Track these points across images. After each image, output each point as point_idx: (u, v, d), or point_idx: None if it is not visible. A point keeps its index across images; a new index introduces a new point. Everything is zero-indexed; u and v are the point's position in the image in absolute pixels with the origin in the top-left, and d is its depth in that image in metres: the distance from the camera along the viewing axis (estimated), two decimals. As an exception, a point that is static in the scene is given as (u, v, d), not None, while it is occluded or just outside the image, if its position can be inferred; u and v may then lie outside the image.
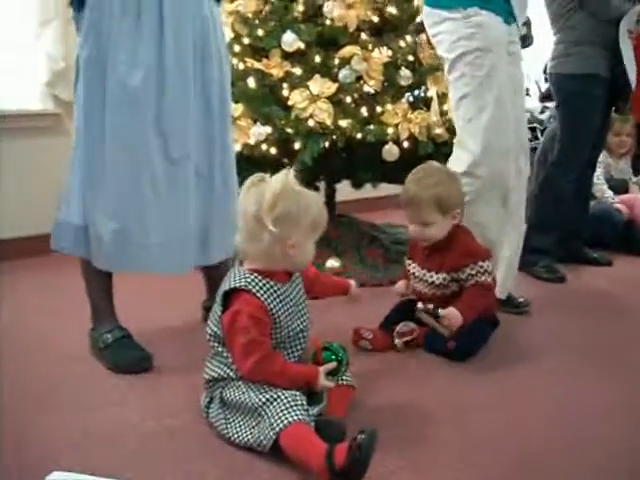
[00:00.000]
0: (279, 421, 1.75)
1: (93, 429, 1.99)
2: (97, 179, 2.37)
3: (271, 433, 1.75)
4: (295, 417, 1.75)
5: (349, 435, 1.82)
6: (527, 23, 3.01)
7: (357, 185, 4.15)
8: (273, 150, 3.54)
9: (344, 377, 2.06)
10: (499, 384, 2.36)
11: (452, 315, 2.44)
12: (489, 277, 2.56)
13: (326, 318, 2.77)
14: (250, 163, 3.38)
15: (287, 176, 1.88)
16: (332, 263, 3.69)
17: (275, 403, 1.78)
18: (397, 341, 2.64)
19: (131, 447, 1.89)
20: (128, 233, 2.35)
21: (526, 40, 3.02)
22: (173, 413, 2.10)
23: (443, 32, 2.87)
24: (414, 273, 2.71)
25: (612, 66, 3.69)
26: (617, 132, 4.77)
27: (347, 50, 3.59)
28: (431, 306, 2.48)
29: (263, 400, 1.81)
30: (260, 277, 1.91)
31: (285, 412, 1.76)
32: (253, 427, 1.84)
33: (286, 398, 1.79)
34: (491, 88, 2.77)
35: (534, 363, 2.56)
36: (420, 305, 2.50)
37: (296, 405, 1.78)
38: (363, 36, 3.70)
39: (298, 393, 1.83)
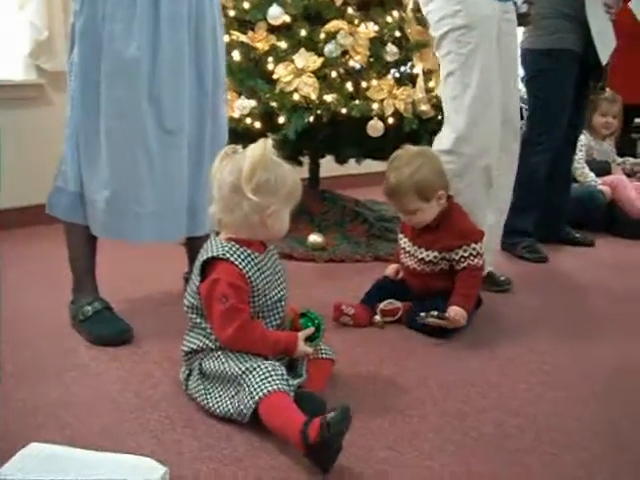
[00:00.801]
0: (259, 390, 1.74)
1: (72, 401, 1.98)
2: (92, 148, 2.37)
3: (251, 402, 1.75)
4: (275, 386, 1.74)
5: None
6: (528, 0, 2.97)
7: (341, 161, 4.15)
8: (257, 124, 3.53)
9: (324, 350, 2.05)
10: (480, 361, 2.37)
11: (459, 315, 2.48)
12: (481, 259, 2.57)
13: (307, 293, 2.77)
14: (234, 136, 3.35)
15: (265, 145, 1.87)
16: (315, 238, 3.68)
17: (255, 372, 1.78)
18: (378, 318, 2.64)
19: (110, 418, 1.88)
20: (122, 201, 2.36)
21: (526, 18, 2.98)
22: (153, 385, 2.09)
23: (432, 10, 2.86)
24: (404, 248, 2.71)
25: (584, 40, 3.62)
26: (604, 112, 4.73)
27: (333, 24, 3.58)
28: (435, 313, 2.47)
29: (243, 369, 1.80)
30: (238, 246, 1.90)
31: (265, 381, 1.75)
32: (233, 397, 1.83)
33: (266, 367, 1.78)
34: (476, 66, 2.75)
35: (515, 340, 2.57)
36: (423, 314, 2.49)
37: (276, 374, 1.77)
38: (349, 10, 3.69)
39: (277, 363, 1.83)
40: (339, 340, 2.39)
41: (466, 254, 2.54)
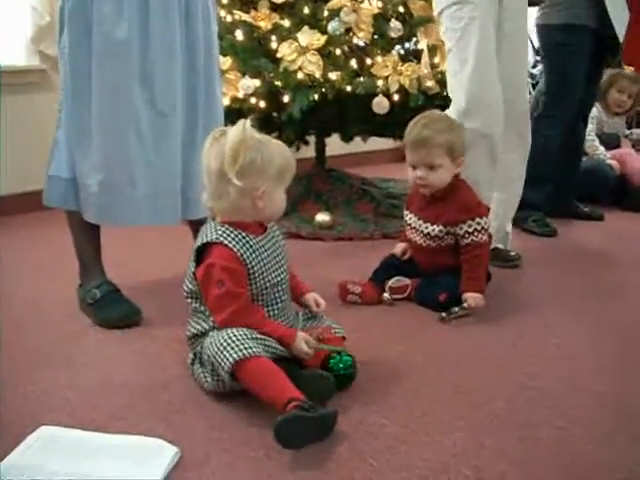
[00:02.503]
0: (229, 357, 1.74)
1: (82, 384, 1.98)
2: (84, 132, 2.35)
3: (223, 372, 1.77)
4: (245, 352, 1.73)
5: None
6: None
7: (347, 139, 4.14)
8: (262, 103, 3.51)
9: (334, 328, 2.05)
10: (490, 337, 2.36)
11: (477, 300, 2.50)
12: (485, 234, 2.56)
13: (315, 272, 2.76)
14: (239, 116, 3.34)
15: (244, 126, 1.81)
16: (322, 217, 3.68)
17: (226, 342, 1.77)
18: (387, 295, 2.63)
19: (120, 401, 1.88)
20: (115, 184, 2.33)
21: None
22: (162, 367, 2.09)
23: None
24: (410, 224, 2.70)
25: (600, 16, 3.60)
26: (621, 89, 4.67)
27: (336, 1, 3.55)
28: (455, 309, 2.47)
29: (222, 341, 1.78)
30: (232, 229, 1.88)
31: (236, 348, 1.75)
32: (213, 371, 1.85)
33: (235, 336, 1.77)
34: (472, 41, 2.75)
35: (526, 315, 2.56)
36: (444, 315, 2.48)
37: (246, 340, 1.77)
38: (353, -13, 3.65)
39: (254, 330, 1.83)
40: (349, 318, 2.38)
41: (470, 229, 2.53)
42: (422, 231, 2.62)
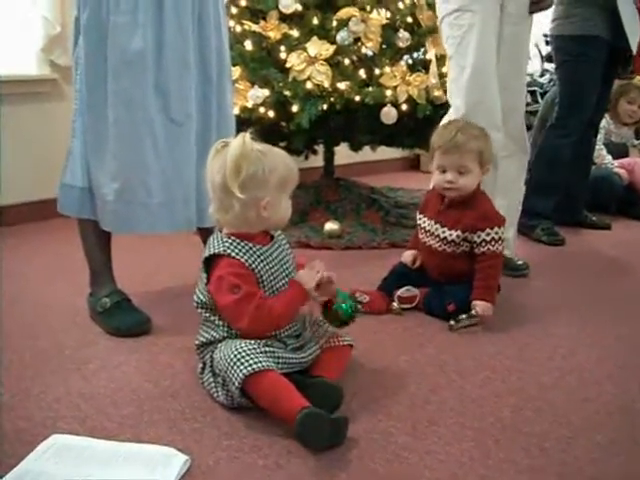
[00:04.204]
0: (239, 372, 1.75)
1: (93, 392, 1.99)
2: (100, 141, 2.37)
3: (233, 388, 1.77)
4: (255, 365, 1.74)
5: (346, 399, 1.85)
6: None
7: (355, 148, 4.16)
8: (271, 113, 3.53)
9: (342, 336, 2.04)
10: (498, 346, 2.37)
11: (487, 309, 2.50)
12: (501, 245, 2.57)
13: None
14: (248, 126, 3.36)
15: (244, 139, 1.83)
16: (331, 226, 3.69)
17: (235, 357, 1.77)
18: (395, 305, 2.64)
19: (130, 409, 1.89)
20: (131, 192, 2.36)
21: (538, 4, 2.94)
22: (172, 375, 2.10)
23: None
24: (424, 227, 2.70)
25: (613, 28, 3.63)
26: (631, 100, 4.71)
27: (345, 11, 3.57)
28: (464, 316, 2.48)
29: (231, 356, 1.79)
30: (239, 240, 1.89)
31: (245, 363, 1.75)
32: (224, 384, 1.86)
33: (244, 350, 1.78)
34: (470, 47, 2.78)
35: (534, 325, 2.57)
36: (453, 323, 2.49)
37: (255, 354, 1.78)
38: (361, -3, 3.68)
39: (262, 342, 1.84)
40: (357, 326, 2.38)
41: (488, 238, 2.53)
42: (438, 235, 2.63)
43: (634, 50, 3.63)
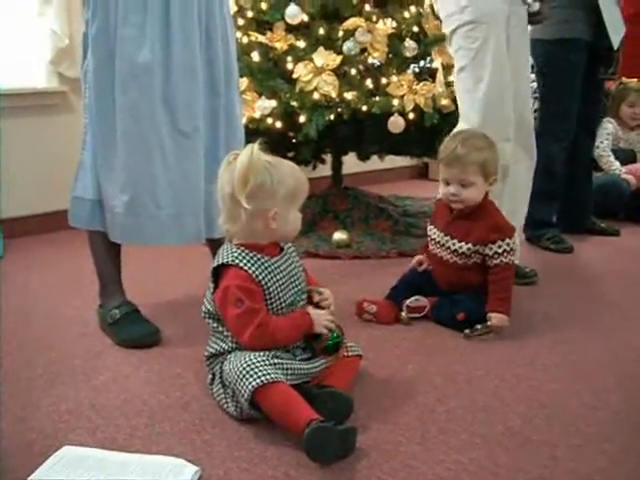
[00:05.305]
0: (248, 384, 1.75)
1: (103, 403, 2.00)
2: (109, 154, 2.39)
3: (242, 400, 1.78)
4: (264, 378, 1.75)
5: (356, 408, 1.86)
6: None
7: (363, 157, 4.16)
8: (278, 124, 3.54)
9: (351, 346, 2.04)
10: (506, 354, 2.37)
11: (502, 321, 2.51)
12: (513, 256, 2.57)
13: (333, 291, 2.75)
14: (256, 137, 3.38)
15: (252, 150, 1.84)
16: (339, 236, 3.69)
17: (244, 369, 1.78)
18: (404, 314, 2.64)
19: (141, 421, 1.90)
20: (139, 204, 2.37)
21: (536, 16, 2.97)
22: (182, 386, 2.11)
23: (441, 7, 2.94)
24: (434, 239, 2.70)
25: (594, 27, 3.60)
26: (631, 103, 4.71)
27: (351, 22, 3.59)
28: (479, 326, 2.49)
29: (241, 368, 1.80)
30: (247, 251, 1.90)
31: (254, 375, 1.76)
32: (233, 396, 1.87)
33: (252, 362, 1.79)
34: (486, 60, 2.79)
35: (543, 333, 2.57)
36: (468, 331, 2.50)
37: (263, 365, 1.78)
38: (367, 7, 3.69)
39: (270, 354, 1.84)
40: (366, 336, 2.40)
41: (500, 250, 2.53)
42: (449, 247, 2.62)
43: (615, 47, 3.60)
